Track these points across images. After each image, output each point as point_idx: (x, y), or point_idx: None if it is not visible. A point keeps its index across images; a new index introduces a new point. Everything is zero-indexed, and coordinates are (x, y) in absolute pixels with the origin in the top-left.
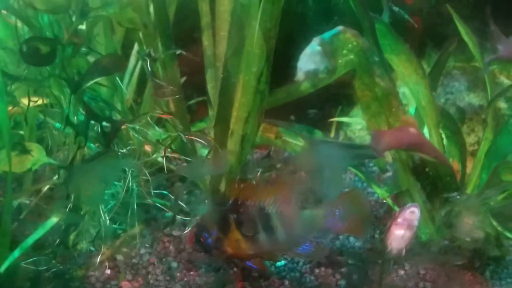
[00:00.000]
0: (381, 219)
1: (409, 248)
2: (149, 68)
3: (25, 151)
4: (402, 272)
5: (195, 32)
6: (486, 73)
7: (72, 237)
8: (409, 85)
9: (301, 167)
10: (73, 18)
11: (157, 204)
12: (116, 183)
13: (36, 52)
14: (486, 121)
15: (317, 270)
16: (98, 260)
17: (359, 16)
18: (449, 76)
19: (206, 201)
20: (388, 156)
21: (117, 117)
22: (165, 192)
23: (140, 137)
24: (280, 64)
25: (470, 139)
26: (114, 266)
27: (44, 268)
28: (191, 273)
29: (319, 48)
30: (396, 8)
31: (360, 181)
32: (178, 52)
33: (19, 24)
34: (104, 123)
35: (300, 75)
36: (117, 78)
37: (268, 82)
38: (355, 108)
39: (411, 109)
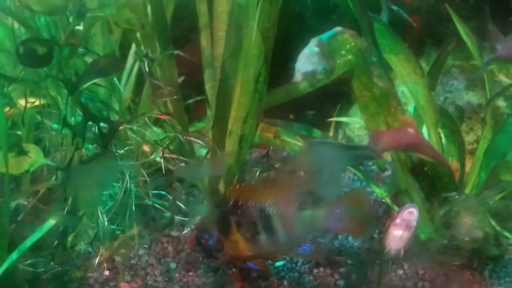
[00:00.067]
0: (380, 218)
1: (407, 249)
2: (147, 69)
3: (22, 152)
4: (401, 271)
5: (193, 32)
6: (485, 73)
7: (70, 238)
8: (407, 84)
9: (300, 168)
10: (70, 19)
11: (156, 205)
12: (114, 184)
13: (33, 53)
14: (485, 119)
15: (316, 270)
16: (97, 261)
17: (358, 15)
18: (448, 75)
19: (204, 201)
20: (387, 155)
21: (115, 117)
22: (163, 192)
23: (138, 138)
24: (279, 63)
25: (469, 138)
26: (112, 267)
27: (43, 269)
28: (190, 273)
29: (317, 49)
30: (395, 7)
31: (359, 180)
32: (176, 52)
33: (16, 25)
34: (101, 124)
35: (298, 76)
36: (115, 78)
37: (266, 82)
38: (354, 106)
39: (410, 108)
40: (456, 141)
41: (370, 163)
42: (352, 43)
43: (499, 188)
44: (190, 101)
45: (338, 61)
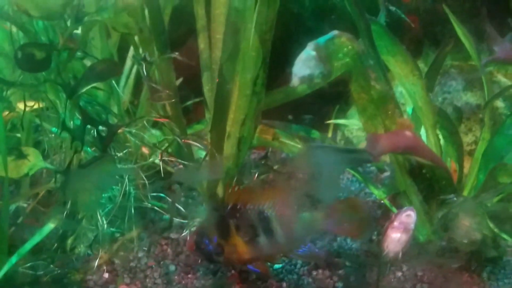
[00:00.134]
0: (379, 220)
1: (405, 251)
2: (145, 72)
3: (21, 156)
4: (399, 273)
5: (191, 35)
6: (483, 74)
7: (70, 241)
8: (405, 86)
9: (298, 170)
10: (68, 23)
11: (155, 207)
12: (114, 186)
13: (31, 58)
14: (484, 121)
15: (314, 272)
16: (96, 264)
17: (355, 17)
18: (446, 75)
19: (203, 204)
20: (386, 156)
21: (113, 120)
22: (162, 195)
23: (137, 141)
24: (277, 64)
25: (467, 139)
26: (112, 269)
27: (43, 272)
28: (189, 276)
29: (314, 53)
30: (392, 8)
31: (358, 181)
32: (174, 56)
33: (14, 29)
34: (100, 127)
35: (295, 80)
36: (113, 81)
37: (264, 84)
38: (353, 107)
39: (409, 108)
40: (455, 143)
41: (368, 164)
42: (349, 46)
43: (497, 191)
44: (189, 102)
45: (335, 64)
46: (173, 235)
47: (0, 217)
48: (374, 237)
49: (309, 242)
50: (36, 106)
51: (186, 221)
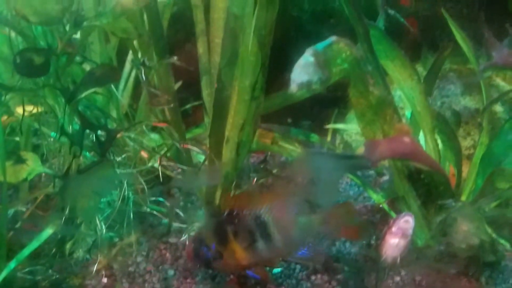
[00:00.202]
0: (377, 224)
1: (403, 256)
2: (144, 77)
3: (20, 160)
4: (398, 278)
5: (190, 39)
6: (481, 79)
7: (68, 245)
8: (404, 90)
9: (296, 176)
10: (67, 27)
11: (154, 212)
12: (112, 191)
13: (30, 63)
14: (482, 125)
15: (313, 277)
16: (95, 268)
17: (354, 22)
18: (445, 79)
19: (202, 209)
20: (385, 160)
21: (112, 125)
22: (161, 199)
23: (135, 146)
24: (276, 68)
25: (466, 143)
26: (110, 274)
27: (41, 277)
28: (188, 280)
29: (312, 59)
30: (391, 12)
31: (357, 185)
32: (172, 60)
33: (13, 33)
34: (99, 132)
35: (293, 87)
36: (112, 85)
37: (263, 89)
38: (352, 110)
39: (407, 112)
40: (453, 147)
41: None
42: (348, 52)
43: (495, 196)
44: (188, 106)
45: (334, 70)
46: (172, 240)
47: None
48: (372, 242)
49: (307, 245)
50: (35, 111)
51: (185, 225)
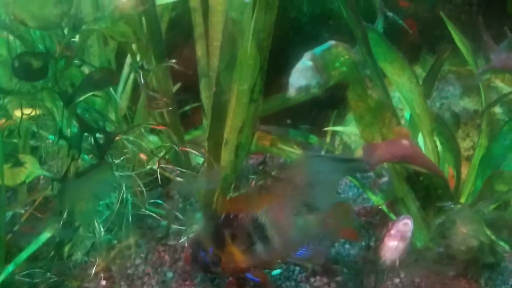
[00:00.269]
0: (376, 226)
1: (402, 259)
2: (142, 81)
3: (18, 163)
4: (397, 280)
5: (189, 41)
6: (480, 81)
7: (67, 248)
8: (403, 93)
9: (294, 179)
10: (65, 31)
11: (153, 214)
12: (111, 194)
13: (28, 67)
14: (481, 127)
15: (312, 279)
16: (93, 271)
17: (352, 25)
18: (444, 81)
19: (200, 212)
20: None
21: (111, 127)
22: (160, 201)
23: (134, 148)
24: (275, 69)
25: (465, 144)
26: (109, 277)
27: (39, 280)
28: (187, 283)
29: (310, 63)
30: (390, 14)
31: (356, 187)
32: (171, 64)
33: (11, 37)
34: (97, 135)
35: (291, 91)
36: (111, 87)
37: (262, 91)
38: (351, 111)
39: (407, 113)
40: (452, 149)
41: None
42: (346, 56)
43: (494, 199)
44: (187, 107)
45: (332, 73)
46: (170, 242)
47: None
48: (371, 244)
49: (305, 246)
50: (33, 114)
51: (184, 227)
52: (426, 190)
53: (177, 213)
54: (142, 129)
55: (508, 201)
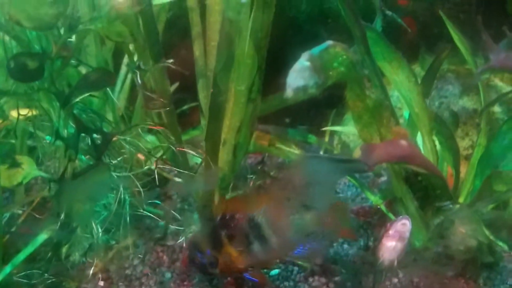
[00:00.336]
0: (375, 226)
1: (400, 259)
2: (139, 81)
3: (15, 164)
4: (395, 280)
5: (187, 41)
6: (479, 81)
7: (64, 249)
8: (401, 92)
9: (292, 179)
10: (62, 31)
11: (151, 214)
12: (109, 194)
13: (24, 68)
14: (480, 126)
15: (310, 279)
16: (91, 272)
17: (350, 24)
18: (443, 80)
19: (197, 214)
20: None
21: (108, 128)
22: (158, 202)
23: (131, 149)
24: (273, 69)
25: (464, 143)
26: (107, 277)
27: (37, 281)
28: (185, 283)
29: (308, 63)
30: (389, 12)
31: (354, 186)
32: (167, 64)
33: (7, 37)
34: (95, 135)
35: (289, 91)
36: (108, 88)
37: (260, 91)
38: (350, 110)
39: (405, 112)
40: (451, 148)
41: None
42: (344, 56)
43: (493, 199)
44: (185, 107)
45: (330, 73)
46: (169, 243)
47: None
48: (370, 243)
49: (303, 244)
50: (29, 114)
51: (182, 228)
52: (425, 190)
53: (175, 213)
54: (140, 129)
55: (506, 201)
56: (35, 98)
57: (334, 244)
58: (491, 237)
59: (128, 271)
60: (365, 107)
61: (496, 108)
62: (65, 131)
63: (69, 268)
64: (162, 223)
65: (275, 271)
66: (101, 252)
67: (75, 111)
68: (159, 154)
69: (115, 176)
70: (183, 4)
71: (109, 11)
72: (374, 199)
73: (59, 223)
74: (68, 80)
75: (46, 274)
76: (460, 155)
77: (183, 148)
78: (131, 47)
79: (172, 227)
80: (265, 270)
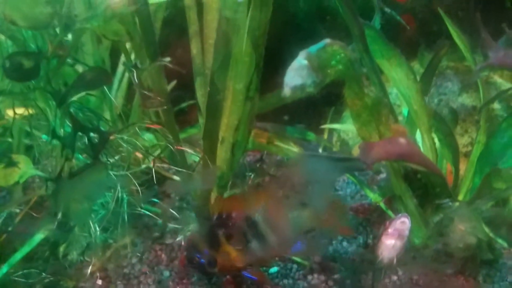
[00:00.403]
0: (374, 223)
1: (400, 257)
2: (136, 80)
3: (12, 163)
4: (395, 277)
5: (184, 39)
6: (478, 78)
7: (62, 248)
8: (400, 89)
9: (291, 178)
10: (57, 30)
11: (149, 213)
12: (106, 193)
13: (20, 67)
14: (479, 123)
15: (310, 277)
16: (89, 271)
17: (348, 22)
18: (442, 76)
19: (195, 213)
20: None
21: (105, 127)
22: (156, 200)
23: (129, 147)
24: (271, 66)
25: (463, 140)
26: (105, 276)
27: (35, 280)
28: (184, 281)
29: (305, 62)
30: (387, 10)
31: (353, 184)
32: (164, 62)
33: (3, 37)
34: (91, 134)
35: (286, 90)
36: (105, 86)
37: (258, 89)
38: (348, 108)
39: (404, 109)
40: (450, 145)
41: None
42: (342, 54)
43: (492, 197)
44: (183, 105)
45: (328, 71)
46: (167, 241)
47: None
48: (369, 241)
49: (300, 240)
50: (26, 113)
51: (180, 226)
52: (424, 187)
53: (173, 212)
54: (137, 128)
55: (506, 198)
56: (31, 97)
57: (333, 242)
58: (491, 235)
59: (126, 270)
60: (363, 105)
61: (496, 105)
62: (62, 130)
63: (67, 267)
64: (160, 221)
65: (274, 269)
66: (99, 251)
67: (71, 110)
68: (157, 153)
69: (113, 175)
70: (180, 2)
71: (105, 10)
72: (373, 197)
73: (56, 222)
74: (65, 79)
75: (43, 273)
76: (460, 153)
77: (181, 147)
78: (128, 45)
79: (170, 225)
80: (264, 268)
